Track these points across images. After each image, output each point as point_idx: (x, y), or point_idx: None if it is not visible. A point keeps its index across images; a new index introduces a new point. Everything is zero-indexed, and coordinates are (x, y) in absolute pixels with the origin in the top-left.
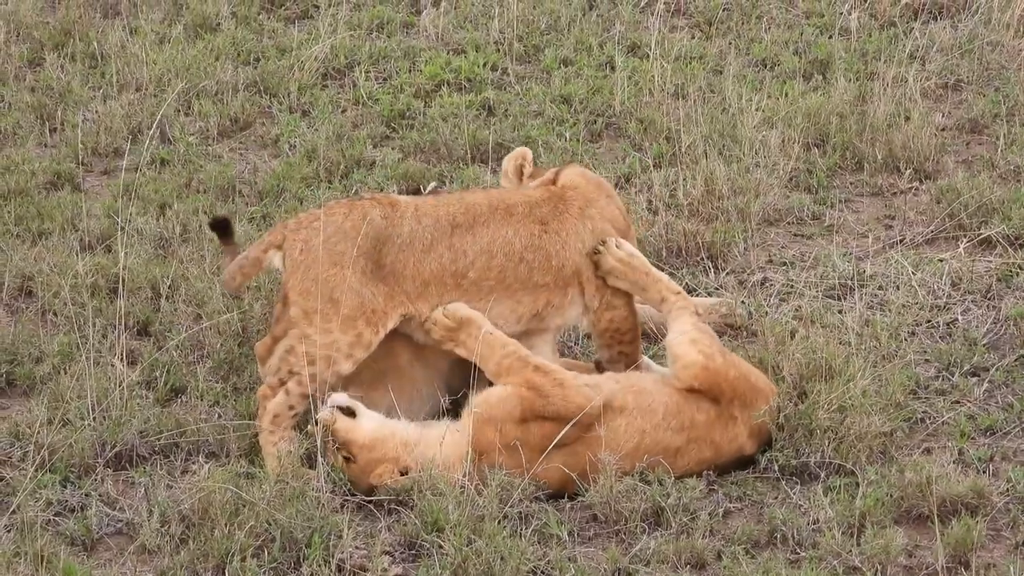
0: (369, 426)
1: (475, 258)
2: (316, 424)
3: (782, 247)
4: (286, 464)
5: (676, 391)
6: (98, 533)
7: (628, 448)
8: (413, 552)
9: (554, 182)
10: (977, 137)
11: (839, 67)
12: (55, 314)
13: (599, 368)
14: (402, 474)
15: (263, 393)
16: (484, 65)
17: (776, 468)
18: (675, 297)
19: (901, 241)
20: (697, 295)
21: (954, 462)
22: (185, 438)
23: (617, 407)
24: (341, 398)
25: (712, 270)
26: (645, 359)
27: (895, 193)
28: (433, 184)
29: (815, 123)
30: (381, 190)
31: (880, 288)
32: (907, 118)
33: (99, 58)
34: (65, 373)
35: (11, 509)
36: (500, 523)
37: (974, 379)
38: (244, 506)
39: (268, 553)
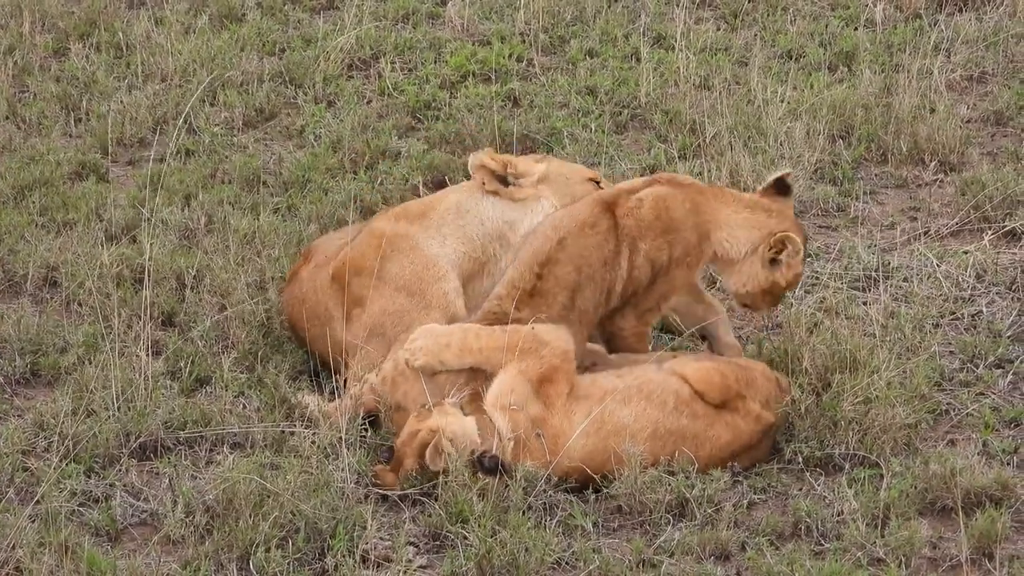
0: None
1: None
2: None
3: (807, 238)
4: None
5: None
6: (122, 523)
7: (644, 435)
8: (437, 543)
9: None
10: (1002, 129)
11: (864, 59)
12: (80, 304)
13: None
14: None
15: None
16: (510, 56)
17: (800, 460)
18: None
19: (926, 233)
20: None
21: (978, 454)
22: (210, 429)
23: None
24: None
25: None
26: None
27: (920, 185)
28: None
29: (840, 115)
30: (406, 181)
31: (905, 280)
32: (932, 110)
33: (124, 48)
34: (90, 363)
35: (35, 499)
36: (524, 514)
37: (999, 371)
38: (268, 497)
39: (292, 544)
